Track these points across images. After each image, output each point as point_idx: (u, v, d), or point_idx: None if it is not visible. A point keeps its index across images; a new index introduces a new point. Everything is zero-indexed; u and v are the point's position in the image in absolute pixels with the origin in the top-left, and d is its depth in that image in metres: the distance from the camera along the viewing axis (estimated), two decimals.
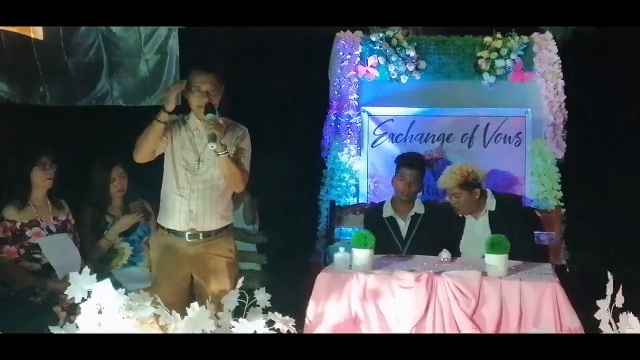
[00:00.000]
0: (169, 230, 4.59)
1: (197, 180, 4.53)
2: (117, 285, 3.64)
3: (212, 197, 4.56)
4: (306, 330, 4.51)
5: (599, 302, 3.40)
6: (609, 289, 3.39)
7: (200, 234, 4.57)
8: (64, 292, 3.51)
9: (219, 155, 4.39)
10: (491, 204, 5.54)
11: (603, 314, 3.38)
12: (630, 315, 3.32)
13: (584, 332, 4.07)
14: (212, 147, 4.30)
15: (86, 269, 3.52)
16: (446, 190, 5.56)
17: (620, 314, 3.36)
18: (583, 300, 4.36)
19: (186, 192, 4.53)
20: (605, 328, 3.37)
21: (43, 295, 4.71)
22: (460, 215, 5.58)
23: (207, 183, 4.54)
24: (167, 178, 4.62)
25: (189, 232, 4.55)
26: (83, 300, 3.46)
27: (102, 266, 4.99)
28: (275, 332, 3.58)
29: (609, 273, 3.42)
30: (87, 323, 3.41)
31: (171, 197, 4.57)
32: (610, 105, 6.65)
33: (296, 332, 3.67)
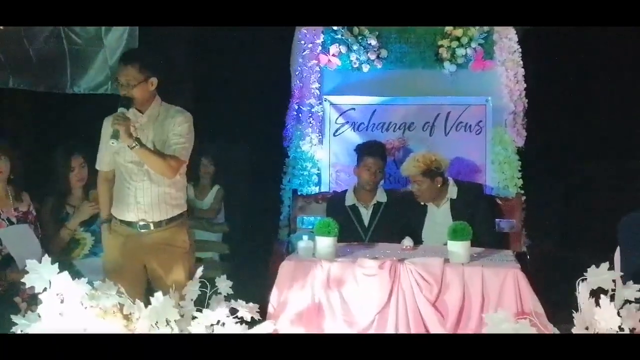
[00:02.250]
0: (121, 221, 4.56)
1: (143, 171, 4.49)
2: (78, 275, 3.62)
3: (159, 188, 4.52)
4: (269, 319, 4.51)
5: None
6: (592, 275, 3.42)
7: (151, 224, 4.53)
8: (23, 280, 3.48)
9: (131, 148, 4.34)
10: (453, 192, 5.57)
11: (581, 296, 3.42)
12: (603, 296, 3.37)
13: (545, 317, 4.10)
14: (112, 143, 4.29)
15: (46, 258, 3.48)
16: (409, 177, 5.58)
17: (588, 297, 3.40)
18: (544, 285, 4.43)
19: (133, 183, 4.50)
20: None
21: (3, 285, 4.66)
22: (422, 203, 5.60)
23: (152, 174, 4.49)
24: (117, 170, 4.59)
25: (141, 223, 4.52)
26: (45, 290, 3.44)
27: (63, 257, 4.94)
28: (239, 320, 3.59)
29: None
30: (49, 313, 3.39)
31: (121, 188, 4.55)
32: (569, 94, 6.72)
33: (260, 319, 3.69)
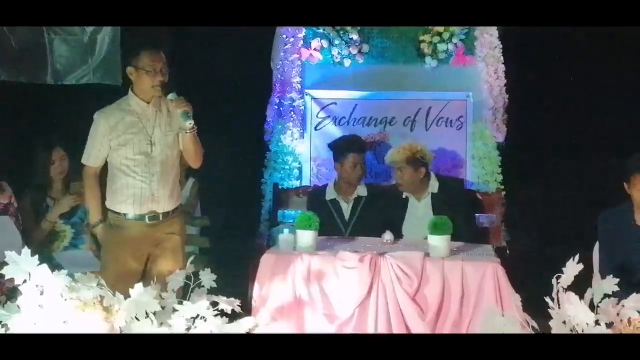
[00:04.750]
0: (126, 215, 4.52)
1: (154, 162, 4.48)
2: (58, 267, 3.60)
3: (169, 178, 4.55)
4: (252, 312, 4.52)
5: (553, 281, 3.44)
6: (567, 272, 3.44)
7: (160, 215, 4.54)
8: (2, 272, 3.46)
9: (187, 132, 4.41)
10: (434, 186, 5.60)
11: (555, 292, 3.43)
12: (571, 293, 3.38)
13: (522, 311, 4.11)
14: (190, 123, 4.36)
15: (26, 250, 3.47)
16: (393, 164, 5.60)
17: (562, 292, 3.41)
18: (522, 280, 4.45)
19: (147, 176, 4.47)
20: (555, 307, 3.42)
21: None
22: (404, 196, 5.63)
23: (163, 165, 4.51)
24: (119, 164, 4.50)
25: (149, 215, 4.51)
26: (24, 281, 3.42)
27: (43, 249, 4.93)
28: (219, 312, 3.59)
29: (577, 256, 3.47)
30: (29, 304, 3.38)
31: (128, 181, 4.48)
32: (549, 90, 6.75)
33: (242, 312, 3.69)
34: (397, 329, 4.48)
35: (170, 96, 4.38)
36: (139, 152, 4.47)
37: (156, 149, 4.49)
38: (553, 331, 3.36)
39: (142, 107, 4.51)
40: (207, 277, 3.78)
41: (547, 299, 3.41)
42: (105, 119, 4.50)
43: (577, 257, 3.44)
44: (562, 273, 3.41)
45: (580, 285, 3.42)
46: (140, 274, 4.52)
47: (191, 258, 3.81)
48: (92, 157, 4.56)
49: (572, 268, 3.44)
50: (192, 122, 4.35)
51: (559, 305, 3.41)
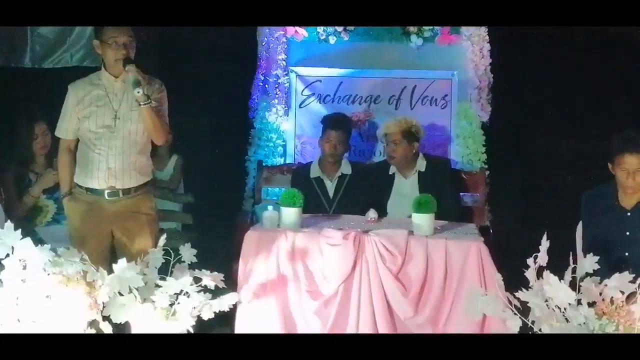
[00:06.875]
0: (87, 189, 4.50)
1: (115, 137, 4.44)
2: (41, 242, 3.59)
3: (130, 154, 4.48)
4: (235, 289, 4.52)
5: (529, 261, 3.45)
6: (542, 249, 3.45)
7: (120, 192, 4.49)
8: None
9: (141, 105, 4.31)
10: (421, 165, 5.61)
11: (531, 272, 3.45)
12: (551, 274, 3.40)
13: (504, 290, 4.13)
14: (138, 92, 4.24)
15: (9, 224, 3.45)
16: (387, 136, 5.61)
17: (543, 272, 3.43)
18: (505, 259, 4.47)
19: (104, 149, 4.44)
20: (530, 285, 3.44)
21: None
22: (390, 173, 5.63)
23: (125, 139, 4.46)
24: (83, 137, 4.51)
25: (108, 190, 4.47)
26: (7, 256, 3.41)
27: (25, 223, 4.90)
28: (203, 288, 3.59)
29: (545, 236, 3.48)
30: (11, 279, 3.37)
31: (89, 155, 4.47)
32: (534, 69, 6.75)
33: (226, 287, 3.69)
34: (380, 307, 4.49)
35: (128, 68, 4.33)
36: (102, 125, 4.44)
37: (120, 123, 4.45)
38: (534, 313, 3.38)
39: (110, 82, 4.47)
40: (188, 252, 3.78)
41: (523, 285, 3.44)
42: (75, 91, 4.51)
43: (545, 235, 3.47)
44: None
45: (562, 268, 3.43)
46: (104, 249, 4.49)
47: (163, 237, 3.79)
48: (62, 129, 4.57)
49: (545, 245, 3.47)
50: (140, 90, 4.24)
51: (533, 286, 3.43)
